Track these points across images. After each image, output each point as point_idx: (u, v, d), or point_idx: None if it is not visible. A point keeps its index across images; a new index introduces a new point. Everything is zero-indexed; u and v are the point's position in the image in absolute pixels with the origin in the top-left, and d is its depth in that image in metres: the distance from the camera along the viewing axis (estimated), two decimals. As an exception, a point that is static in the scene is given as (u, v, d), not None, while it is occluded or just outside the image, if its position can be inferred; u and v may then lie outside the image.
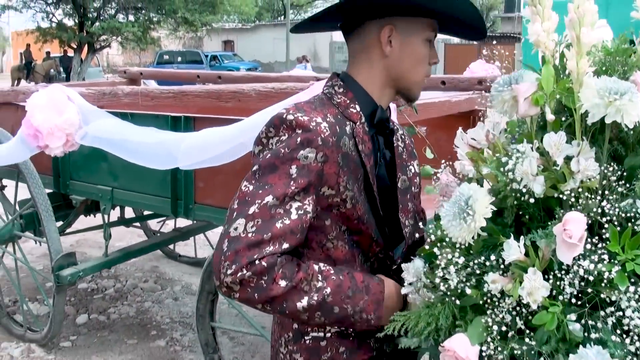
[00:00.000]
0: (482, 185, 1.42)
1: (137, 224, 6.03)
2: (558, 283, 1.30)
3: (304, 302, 1.47)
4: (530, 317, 1.32)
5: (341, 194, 1.56)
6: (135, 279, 5.89)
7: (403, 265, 1.57)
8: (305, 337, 1.67)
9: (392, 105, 1.99)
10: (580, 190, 1.34)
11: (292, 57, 28.52)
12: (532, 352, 1.29)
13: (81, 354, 4.50)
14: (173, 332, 4.82)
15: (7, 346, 4.55)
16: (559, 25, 1.49)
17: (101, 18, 26.11)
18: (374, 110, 1.67)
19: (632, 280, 1.26)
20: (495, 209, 1.36)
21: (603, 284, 1.26)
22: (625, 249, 1.27)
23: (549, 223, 1.35)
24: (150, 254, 5.81)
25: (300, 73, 5.80)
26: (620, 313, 1.24)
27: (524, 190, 1.35)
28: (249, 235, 1.42)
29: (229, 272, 1.41)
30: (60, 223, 4.80)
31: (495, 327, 1.31)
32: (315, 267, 1.53)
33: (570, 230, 1.26)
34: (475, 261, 1.36)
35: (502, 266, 1.35)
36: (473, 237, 1.36)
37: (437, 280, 1.39)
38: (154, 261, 6.34)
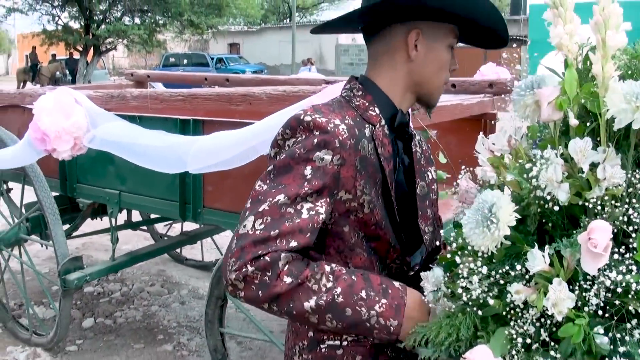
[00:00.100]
0: (503, 192, 1.38)
1: (144, 227, 5.99)
2: (583, 294, 1.26)
3: (311, 303, 1.41)
4: (554, 329, 1.28)
5: (358, 198, 1.53)
6: (141, 283, 5.86)
7: (422, 274, 1.53)
8: (321, 346, 1.62)
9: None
10: (605, 198, 1.30)
11: (297, 60, 28.48)
12: (557, 364, 1.25)
13: (87, 358, 4.47)
14: (180, 336, 4.79)
15: (12, 350, 4.53)
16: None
17: (107, 21, 26.14)
18: (394, 114, 1.64)
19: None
20: (519, 216, 1.32)
21: (630, 296, 1.22)
22: (653, 259, 1.23)
23: (574, 232, 1.31)
24: (156, 257, 5.77)
25: (308, 76, 5.75)
26: (648, 326, 1.20)
27: (548, 197, 1.31)
28: (256, 232, 1.39)
29: (234, 268, 1.37)
30: (66, 226, 4.77)
31: (519, 339, 1.27)
32: (327, 266, 1.46)
33: (596, 240, 1.22)
34: (499, 271, 1.32)
35: (526, 276, 1.31)
36: (496, 246, 1.32)
37: (459, 291, 1.35)
38: (161, 265, 6.31)
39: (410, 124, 1.80)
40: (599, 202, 1.29)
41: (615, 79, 1.34)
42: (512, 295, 1.29)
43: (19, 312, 5.13)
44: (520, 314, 1.31)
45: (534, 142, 1.52)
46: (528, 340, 1.28)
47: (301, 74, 15.09)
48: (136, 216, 5.64)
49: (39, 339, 4.52)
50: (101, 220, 5.17)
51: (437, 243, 1.76)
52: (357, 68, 33.40)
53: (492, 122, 3.97)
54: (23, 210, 4.73)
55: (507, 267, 1.33)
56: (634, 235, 1.26)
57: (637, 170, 1.31)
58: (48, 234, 4.34)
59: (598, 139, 1.38)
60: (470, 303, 1.35)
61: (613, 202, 1.30)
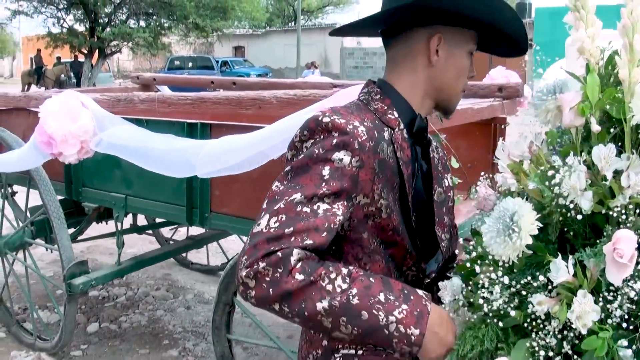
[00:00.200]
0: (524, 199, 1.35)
1: (149, 230, 5.96)
2: (607, 306, 1.22)
3: (324, 303, 1.32)
4: (577, 341, 1.25)
5: (376, 202, 1.49)
6: (146, 287, 5.83)
7: (440, 284, 1.49)
8: (335, 355, 1.58)
9: None
10: (630, 206, 1.26)
11: (302, 63, 28.49)
12: (581, 378, 1.22)
13: (92, 364, 4.44)
14: (185, 341, 4.75)
15: (16, 355, 4.50)
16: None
17: (112, 24, 26.15)
18: (413, 119, 1.62)
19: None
20: (541, 225, 1.28)
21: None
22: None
23: (598, 241, 1.27)
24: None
25: (314, 79, 5.73)
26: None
27: (571, 206, 1.28)
28: (270, 230, 1.34)
29: (245, 265, 1.32)
30: (71, 230, 4.74)
31: (542, 352, 1.24)
32: (344, 268, 1.38)
33: (621, 250, 1.19)
34: (521, 281, 1.28)
35: (549, 287, 1.27)
36: (517, 255, 1.28)
37: (480, 301, 1.31)
38: (166, 269, 6.28)
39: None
40: (622, 211, 1.26)
41: (641, 84, 1.31)
42: (533, 306, 1.25)
43: (23, 316, 5.09)
44: (541, 326, 1.27)
45: (554, 148, 1.49)
46: (550, 353, 1.25)
47: (306, 77, 15.05)
48: (142, 220, 5.60)
49: (43, 344, 4.48)
50: (106, 224, 5.14)
51: (456, 251, 1.72)
52: (361, 71, 33.42)
53: (502, 127, 3.93)
54: (28, 214, 4.69)
55: (528, 277, 1.29)
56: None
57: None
58: (53, 238, 4.31)
59: (620, 144, 1.34)
60: (490, 314, 1.31)
61: (637, 210, 1.27)
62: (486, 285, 1.30)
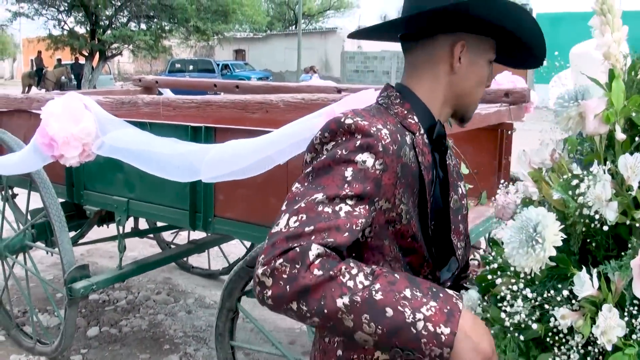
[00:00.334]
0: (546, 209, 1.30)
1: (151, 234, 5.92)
2: (632, 321, 1.18)
3: (345, 299, 1.22)
4: (600, 357, 1.20)
5: (396, 207, 1.44)
6: (147, 291, 5.78)
7: (457, 296, 1.45)
8: None
9: None
10: (655, 218, 1.22)
11: (303, 67, 28.49)
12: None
13: (92, 369, 4.40)
14: (186, 346, 4.71)
15: (16, 358, 4.46)
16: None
17: (113, 26, 26.14)
18: (433, 125, 1.59)
19: None
20: (565, 236, 1.23)
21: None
22: None
23: (623, 254, 1.23)
24: (162, 265, 5.70)
25: (318, 83, 5.70)
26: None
27: (596, 216, 1.23)
28: (290, 228, 1.27)
29: (262, 262, 1.25)
30: (72, 233, 4.70)
31: (565, 368, 1.20)
32: (366, 267, 1.29)
33: (649, 263, 1.15)
34: (545, 294, 1.23)
35: (572, 301, 1.22)
36: (540, 267, 1.23)
37: (503, 315, 1.26)
38: (167, 272, 6.22)
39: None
40: (649, 223, 1.22)
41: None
42: (555, 320, 1.21)
43: (23, 319, 5.04)
44: (564, 340, 1.23)
45: (573, 156, 1.45)
46: (573, 369, 1.21)
47: (314, 80, 15.02)
48: (143, 223, 5.56)
49: (43, 348, 4.44)
50: (107, 227, 5.09)
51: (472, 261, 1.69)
52: (362, 75, 33.44)
53: (509, 132, 3.90)
54: (29, 217, 4.65)
55: (550, 290, 1.25)
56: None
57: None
58: (54, 241, 4.26)
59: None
60: (511, 328, 1.26)
61: (663, 222, 1.23)
62: (508, 297, 1.26)
